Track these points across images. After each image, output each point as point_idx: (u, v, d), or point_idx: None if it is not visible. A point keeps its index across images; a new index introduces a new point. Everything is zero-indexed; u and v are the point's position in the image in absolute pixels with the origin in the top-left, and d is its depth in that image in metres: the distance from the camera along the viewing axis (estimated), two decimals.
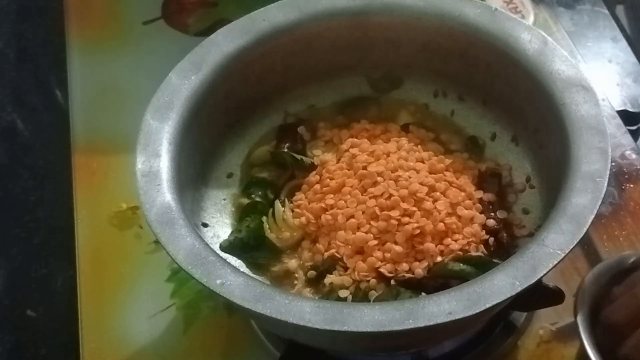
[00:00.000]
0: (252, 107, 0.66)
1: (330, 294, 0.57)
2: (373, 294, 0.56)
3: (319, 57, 0.66)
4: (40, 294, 0.75)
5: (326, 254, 0.59)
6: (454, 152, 0.65)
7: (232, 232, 0.61)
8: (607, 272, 0.58)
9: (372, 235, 0.58)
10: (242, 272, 0.52)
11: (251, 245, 0.60)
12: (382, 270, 0.57)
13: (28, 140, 0.85)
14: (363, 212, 0.58)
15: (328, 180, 0.61)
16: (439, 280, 0.57)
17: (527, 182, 0.63)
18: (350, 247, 0.58)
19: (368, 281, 0.57)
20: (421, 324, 0.47)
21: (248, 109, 0.65)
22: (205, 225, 0.61)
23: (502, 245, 0.59)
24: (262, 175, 0.64)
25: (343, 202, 0.59)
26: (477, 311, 0.48)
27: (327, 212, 0.59)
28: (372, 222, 0.58)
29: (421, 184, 0.59)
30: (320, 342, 0.57)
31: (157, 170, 0.55)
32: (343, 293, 0.57)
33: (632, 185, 0.72)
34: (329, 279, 0.58)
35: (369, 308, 0.48)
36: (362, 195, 0.59)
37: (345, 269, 0.58)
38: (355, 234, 0.58)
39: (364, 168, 0.60)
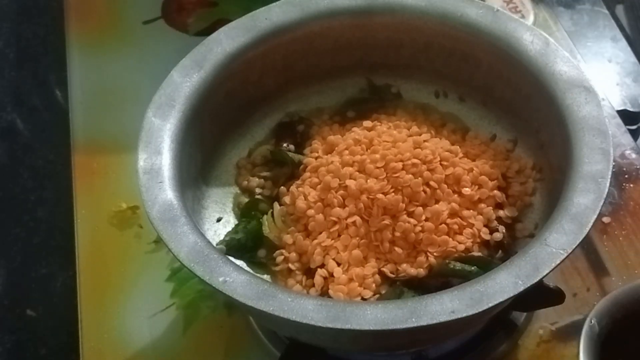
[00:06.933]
0: (253, 106, 0.66)
1: None
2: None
3: (320, 56, 0.66)
4: (40, 294, 0.75)
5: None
6: None
7: (227, 233, 0.61)
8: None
9: (372, 234, 0.58)
10: (245, 270, 0.52)
11: (249, 247, 0.60)
12: (384, 270, 0.57)
13: (28, 140, 0.85)
14: (363, 211, 0.58)
15: (328, 178, 0.61)
16: (440, 280, 0.57)
17: None
18: (350, 246, 0.58)
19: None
20: (424, 322, 0.47)
21: (249, 108, 0.65)
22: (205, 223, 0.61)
23: (503, 246, 0.59)
24: (262, 174, 0.64)
25: (342, 200, 0.59)
26: (480, 310, 0.48)
27: (326, 211, 0.59)
28: (372, 222, 0.58)
29: (422, 183, 0.59)
30: (322, 341, 0.57)
31: (159, 168, 0.55)
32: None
33: (632, 185, 0.72)
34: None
35: (371, 306, 0.48)
36: (362, 194, 0.59)
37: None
38: (355, 233, 0.58)
39: (364, 167, 0.60)
